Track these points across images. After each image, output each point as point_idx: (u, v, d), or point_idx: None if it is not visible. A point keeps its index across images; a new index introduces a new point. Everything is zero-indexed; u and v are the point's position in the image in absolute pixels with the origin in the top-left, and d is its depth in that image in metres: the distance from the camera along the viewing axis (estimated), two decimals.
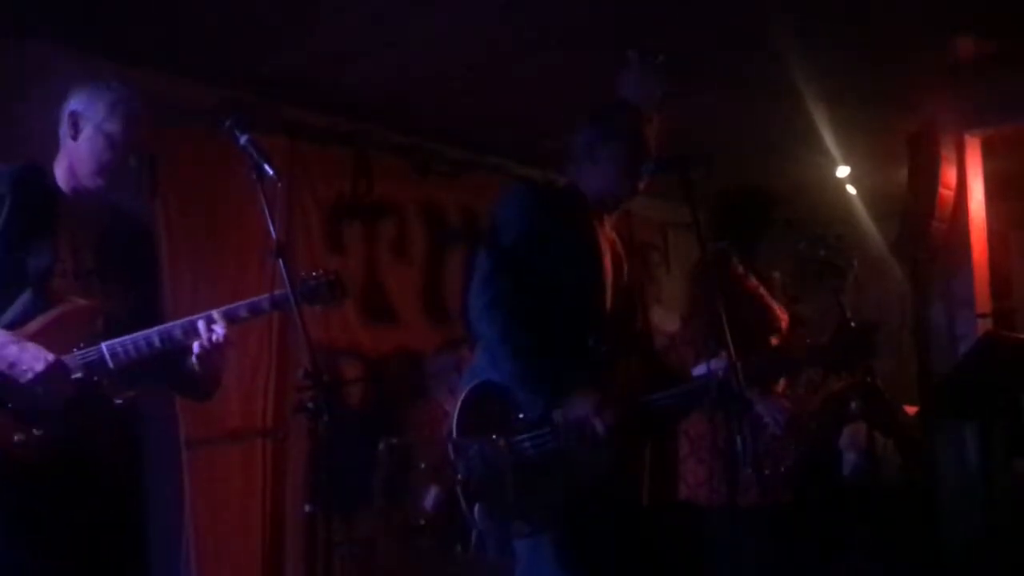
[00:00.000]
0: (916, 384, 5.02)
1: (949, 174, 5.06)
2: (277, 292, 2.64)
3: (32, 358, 2.47)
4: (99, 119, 2.67)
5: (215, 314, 2.62)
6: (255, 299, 2.68)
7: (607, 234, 3.01)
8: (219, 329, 2.61)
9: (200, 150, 4.47)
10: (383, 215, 5.64)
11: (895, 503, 4.74)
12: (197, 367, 2.64)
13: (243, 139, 2.55)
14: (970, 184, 5.17)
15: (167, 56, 4.39)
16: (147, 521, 2.75)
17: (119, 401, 2.63)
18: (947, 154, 5.07)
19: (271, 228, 2.48)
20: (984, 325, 4.91)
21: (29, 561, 2.48)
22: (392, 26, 4.34)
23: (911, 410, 4.87)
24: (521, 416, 2.76)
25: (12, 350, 2.47)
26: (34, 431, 2.46)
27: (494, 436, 2.69)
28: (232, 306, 2.66)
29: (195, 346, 2.60)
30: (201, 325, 2.60)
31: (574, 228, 2.90)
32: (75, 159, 2.70)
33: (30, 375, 2.46)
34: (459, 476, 2.75)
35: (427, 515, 4.32)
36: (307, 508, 2.42)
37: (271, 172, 2.49)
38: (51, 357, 2.48)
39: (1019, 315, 5.86)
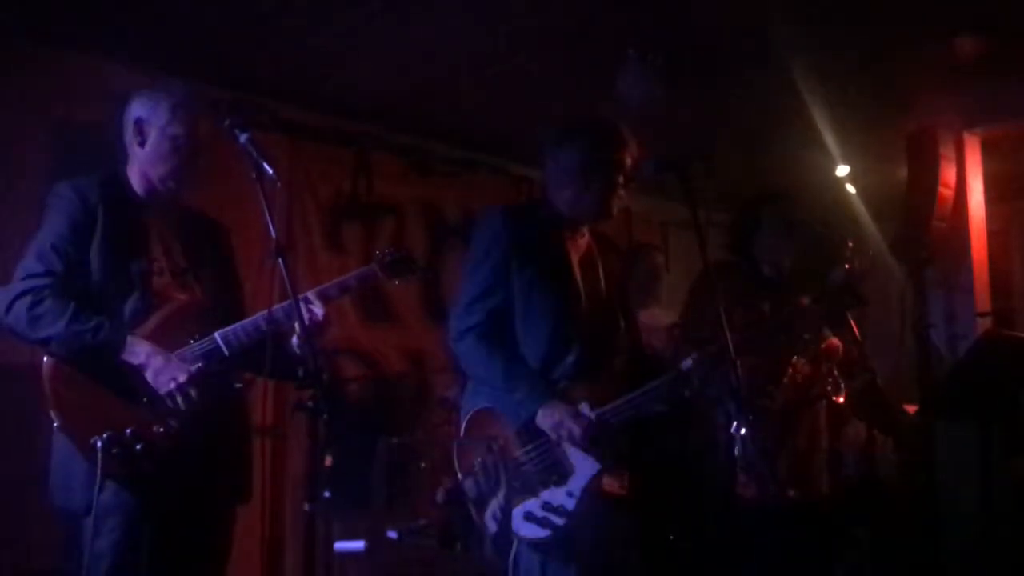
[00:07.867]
0: (916, 384, 5.01)
1: (949, 174, 5.05)
2: (362, 269, 2.99)
3: (176, 368, 2.62)
4: (162, 123, 2.75)
5: (311, 294, 2.79)
6: (344, 277, 2.94)
7: (579, 246, 3.02)
8: (317, 310, 2.76)
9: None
10: (383, 215, 5.65)
11: (895, 503, 4.74)
12: (298, 350, 2.71)
13: (243, 139, 2.56)
14: (970, 184, 5.16)
15: (167, 56, 4.38)
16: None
17: (239, 385, 2.80)
18: (947, 154, 5.07)
19: (271, 228, 2.49)
20: (984, 325, 4.91)
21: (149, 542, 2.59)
22: (392, 26, 4.34)
23: (911, 410, 4.86)
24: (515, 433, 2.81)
25: (158, 361, 2.62)
26: (171, 422, 2.61)
27: (491, 448, 2.75)
28: (324, 286, 2.86)
29: (297, 328, 2.68)
30: (301, 306, 2.69)
31: (547, 250, 2.93)
32: (146, 165, 2.79)
33: (172, 385, 2.61)
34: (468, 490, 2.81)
35: (438, 509, 4.36)
36: (307, 508, 2.43)
37: (271, 172, 2.50)
38: (192, 369, 2.64)
39: (1019, 315, 5.87)
